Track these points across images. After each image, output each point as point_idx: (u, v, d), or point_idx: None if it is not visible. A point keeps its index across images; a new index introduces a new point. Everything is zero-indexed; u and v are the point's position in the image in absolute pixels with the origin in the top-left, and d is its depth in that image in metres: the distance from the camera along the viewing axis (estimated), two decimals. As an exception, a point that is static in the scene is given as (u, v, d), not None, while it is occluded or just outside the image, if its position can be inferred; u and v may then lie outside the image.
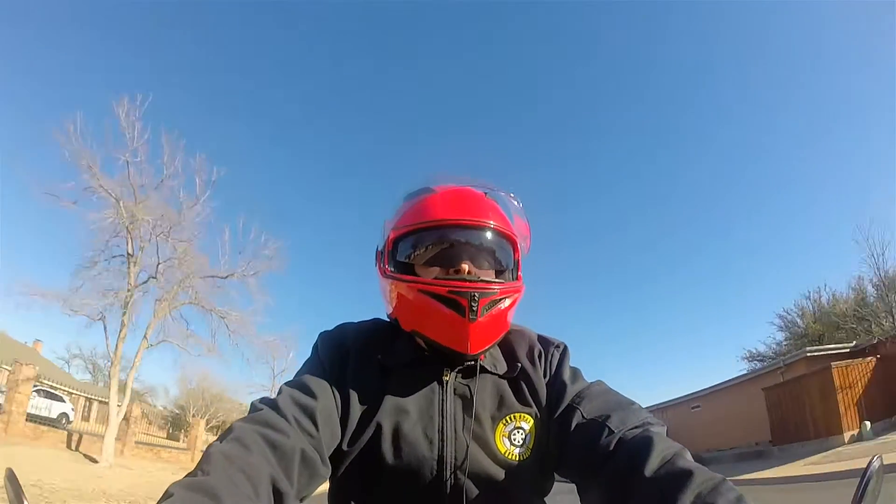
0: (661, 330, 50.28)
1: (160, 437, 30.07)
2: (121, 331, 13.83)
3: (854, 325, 18.60)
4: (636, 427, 0.71)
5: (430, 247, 0.83)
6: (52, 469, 10.29)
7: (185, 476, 0.56)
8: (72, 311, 13.37)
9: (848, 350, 16.94)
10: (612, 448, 0.68)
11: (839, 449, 12.43)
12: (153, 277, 14.19)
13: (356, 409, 0.77)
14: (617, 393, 0.81)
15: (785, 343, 24.56)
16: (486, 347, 0.80)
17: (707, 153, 45.97)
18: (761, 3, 40.34)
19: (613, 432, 0.70)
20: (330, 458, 0.74)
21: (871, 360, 14.87)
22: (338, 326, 0.89)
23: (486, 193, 0.90)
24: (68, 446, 14.04)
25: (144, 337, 14.42)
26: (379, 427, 0.76)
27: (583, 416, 0.75)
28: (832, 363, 14.46)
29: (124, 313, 13.70)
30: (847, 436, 13.24)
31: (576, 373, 0.86)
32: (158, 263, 14.19)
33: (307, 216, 49.43)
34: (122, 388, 15.01)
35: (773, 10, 41.69)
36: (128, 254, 13.97)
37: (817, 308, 23.34)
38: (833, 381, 13.88)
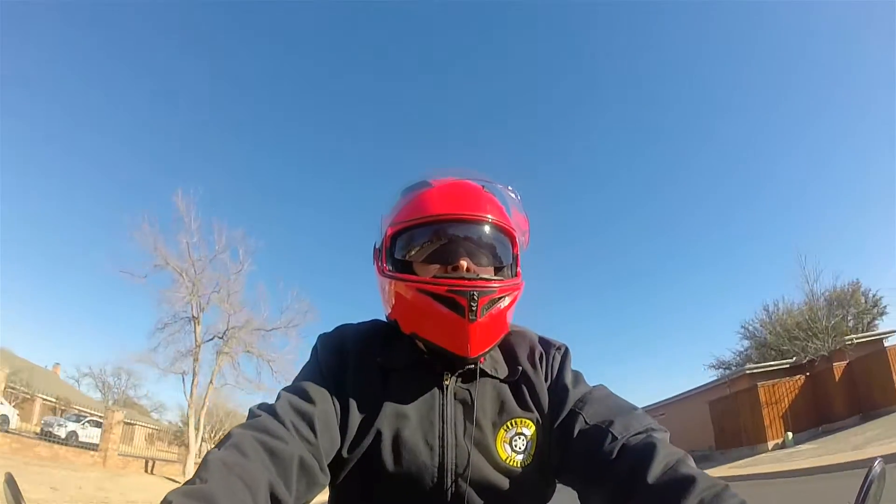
0: (641, 332, 52.18)
1: (172, 453, 30.12)
2: (193, 379, 17.84)
3: (786, 347, 21.54)
4: (639, 433, 0.71)
5: (427, 243, 0.82)
6: (153, 492, 13.78)
7: (184, 483, 0.56)
8: (162, 371, 17.56)
9: (788, 366, 20.06)
10: (615, 454, 0.68)
11: (761, 455, 15.66)
12: (220, 338, 18.14)
13: (355, 415, 0.76)
14: (619, 398, 0.81)
15: (747, 352, 26.84)
16: (487, 350, 0.79)
17: (700, 148, 47.81)
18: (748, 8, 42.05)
19: (617, 438, 0.70)
20: (329, 465, 0.73)
21: (799, 378, 18.06)
22: (337, 329, 0.88)
23: (483, 187, 0.89)
24: (146, 471, 17.56)
25: (211, 382, 18.36)
26: (379, 434, 0.75)
27: (585, 422, 0.75)
28: (759, 383, 17.78)
29: (195, 364, 17.67)
30: (771, 444, 16.49)
31: (577, 376, 0.85)
32: (226, 329, 18.12)
33: (306, 224, 51.13)
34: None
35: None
36: (193, 317, 17.76)
37: (775, 320, 25.48)
38: (759, 398, 17.15)
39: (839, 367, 17.41)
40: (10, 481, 0.54)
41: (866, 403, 16.37)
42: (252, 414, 0.72)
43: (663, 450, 0.65)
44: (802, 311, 22.67)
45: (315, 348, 0.85)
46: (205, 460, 0.59)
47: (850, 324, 23.67)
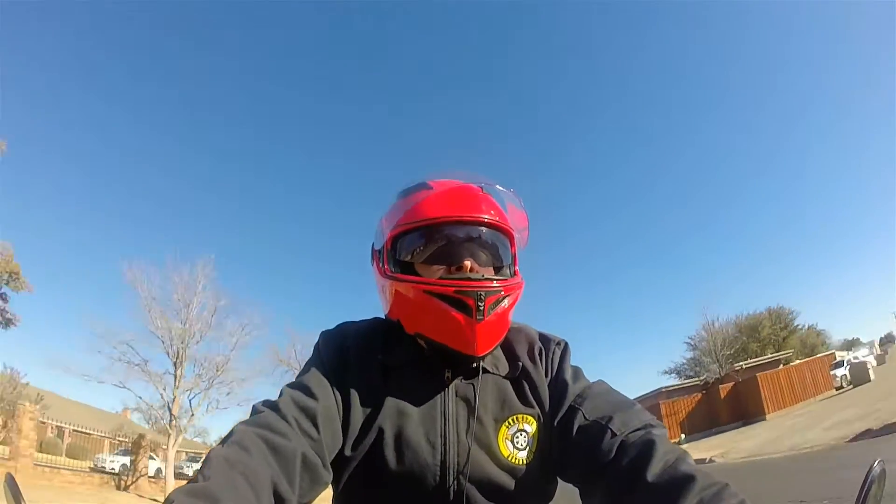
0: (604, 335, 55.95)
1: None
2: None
3: (687, 375, 28.63)
4: (638, 429, 0.71)
5: (430, 245, 0.83)
6: None
7: (188, 482, 0.56)
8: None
9: (699, 383, 27.14)
10: (614, 451, 0.68)
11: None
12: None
13: (357, 412, 0.77)
14: (618, 393, 0.81)
15: (690, 359, 32.64)
16: (492, 348, 0.81)
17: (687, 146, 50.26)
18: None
19: (616, 435, 0.70)
20: (332, 463, 0.73)
21: (697, 395, 25.18)
22: (338, 326, 0.89)
23: (482, 188, 0.89)
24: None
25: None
26: (381, 431, 0.76)
27: (585, 418, 0.75)
28: (660, 401, 25.19)
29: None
30: (668, 442, 23.82)
31: (577, 372, 0.85)
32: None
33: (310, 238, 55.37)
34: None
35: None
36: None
37: (710, 335, 31.12)
38: (660, 411, 24.36)
39: (725, 387, 24.46)
40: (11, 481, 0.54)
41: (745, 413, 23.35)
42: (255, 410, 0.72)
43: (662, 447, 0.65)
44: (733, 331, 28.99)
45: (317, 345, 0.86)
46: (207, 458, 0.59)
47: (766, 340, 30.46)
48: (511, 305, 0.81)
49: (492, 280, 0.80)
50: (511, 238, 0.88)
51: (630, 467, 0.65)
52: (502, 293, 0.78)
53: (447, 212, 0.83)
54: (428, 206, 0.84)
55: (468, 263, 0.80)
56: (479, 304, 0.75)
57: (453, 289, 0.76)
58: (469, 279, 0.78)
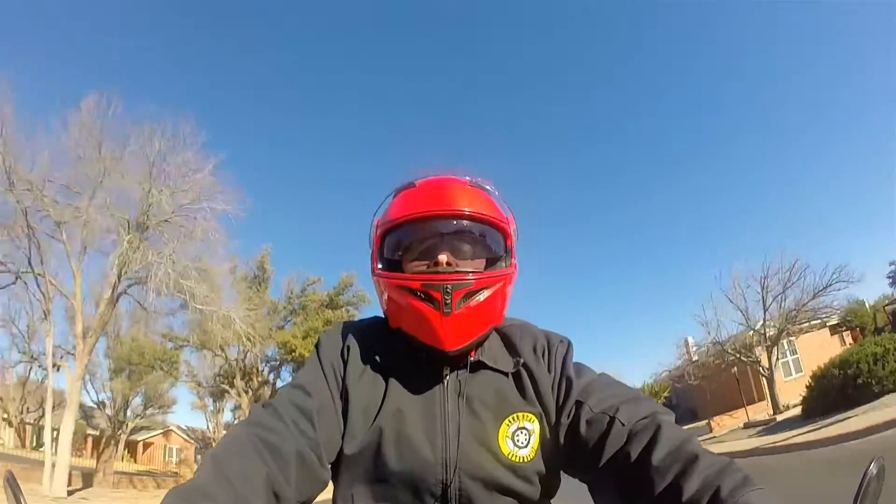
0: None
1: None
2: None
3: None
4: (645, 417, 0.71)
5: (412, 241, 0.83)
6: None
7: (186, 482, 0.57)
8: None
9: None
10: (623, 441, 0.69)
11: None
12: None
13: (357, 411, 0.78)
14: (623, 385, 0.81)
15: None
16: (467, 343, 0.78)
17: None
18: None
19: (624, 425, 0.71)
20: (333, 462, 0.76)
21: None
22: (337, 326, 0.90)
23: (469, 182, 0.88)
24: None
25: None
26: (380, 430, 0.76)
27: (591, 411, 0.75)
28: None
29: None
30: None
31: (581, 367, 0.85)
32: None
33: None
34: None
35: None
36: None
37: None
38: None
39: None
40: (11, 480, 0.54)
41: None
42: (252, 411, 0.74)
43: (668, 431, 0.66)
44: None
45: (317, 346, 0.86)
46: (204, 458, 0.62)
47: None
48: (490, 299, 0.79)
49: (465, 272, 0.78)
50: (502, 230, 0.86)
51: (637, 454, 0.66)
52: (473, 286, 0.77)
53: (424, 207, 0.82)
54: (408, 203, 0.84)
55: (443, 258, 0.80)
56: (447, 297, 0.74)
57: (420, 282, 0.77)
58: (437, 272, 0.78)
